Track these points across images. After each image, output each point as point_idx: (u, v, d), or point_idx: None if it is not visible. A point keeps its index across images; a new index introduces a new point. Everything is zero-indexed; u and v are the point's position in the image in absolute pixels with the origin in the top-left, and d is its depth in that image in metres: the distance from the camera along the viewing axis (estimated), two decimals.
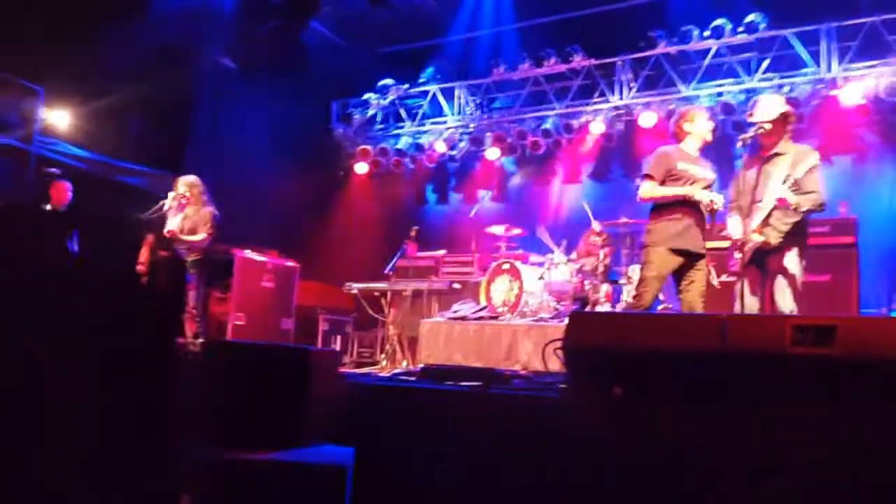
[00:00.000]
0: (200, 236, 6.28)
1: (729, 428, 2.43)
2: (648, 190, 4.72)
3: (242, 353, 3.52)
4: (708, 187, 4.70)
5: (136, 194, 7.68)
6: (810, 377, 2.43)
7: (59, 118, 8.41)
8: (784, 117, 4.49)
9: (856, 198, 7.35)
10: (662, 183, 4.70)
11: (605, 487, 2.53)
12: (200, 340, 5.96)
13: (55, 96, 8.26)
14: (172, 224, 6.32)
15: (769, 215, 4.33)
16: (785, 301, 4.33)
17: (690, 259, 4.64)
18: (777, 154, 4.46)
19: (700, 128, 4.80)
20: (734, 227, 4.51)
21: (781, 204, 4.26)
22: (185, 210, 6.37)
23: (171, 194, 6.41)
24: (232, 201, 7.49)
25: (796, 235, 4.39)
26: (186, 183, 6.44)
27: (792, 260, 4.36)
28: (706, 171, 4.76)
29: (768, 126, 4.44)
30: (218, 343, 5.62)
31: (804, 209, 4.30)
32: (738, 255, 4.43)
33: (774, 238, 4.36)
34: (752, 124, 4.56)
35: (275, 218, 9.45)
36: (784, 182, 4.27)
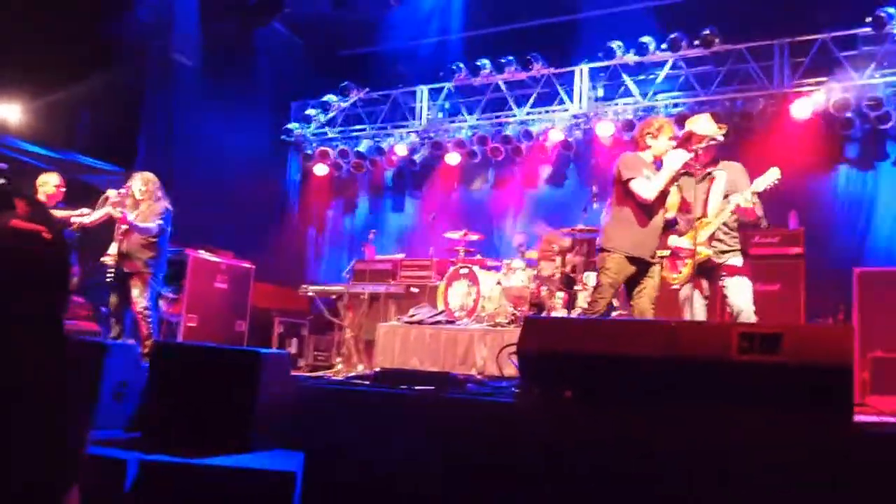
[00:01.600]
0: (150, 224, 6.12)
1: (676, 431, 2.46)
2: (652, 186, 4.63)
3: (192, 355, 3.46)
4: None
5: (86, 190, 7.48)
6: (755, 383, 2.48)
7: (7, 112, 8.18)
8: (687, 138, 4.74)
9: (805, 209, 7.54)
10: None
11: (556, 489, 2.54)
12: (150, 342, 5.83)
13: (3, 90, 8.03)
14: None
15: (718, 231, 4.52)
16: (744, 300, 4.46)
17: (644, 266, 4.71)
18: (711, 172, 4.65)
19: (660, 145, 4.85)
20: (672, 239, 4.70)
21: (751, 217, 4.43)
22: (139, 207, 6.23)
23: (113, 192, 6.24)
24: (186, 200, 7.35)
25: (739, 247, 4.62)
26: (143, 178, 6.31)
27: (740, 263, 4.54)
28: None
29: (721, 139, 4.60)
30: (168, 345, 5.51)
31: (760, 215, 4.48)
32: (685, 265, 4.58)
33: (723, 254, 4.56)
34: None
35: (230, 218, 9.30)
36: (726, 197, 4.46)
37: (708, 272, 4.59)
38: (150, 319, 6.03)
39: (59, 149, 8.26)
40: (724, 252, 4.57)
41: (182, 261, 7.69)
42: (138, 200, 6.23)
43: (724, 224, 4.56)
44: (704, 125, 4.72)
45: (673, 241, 4.71)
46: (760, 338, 2.48)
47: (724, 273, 4.55)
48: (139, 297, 6.04)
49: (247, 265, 8.59)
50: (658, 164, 4.88)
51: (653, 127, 4.88)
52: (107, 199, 6.23)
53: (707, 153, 4.66)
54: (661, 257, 4.77)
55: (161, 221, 6.19)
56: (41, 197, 6.20)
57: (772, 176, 4.39)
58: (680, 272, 4.63)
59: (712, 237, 4.55)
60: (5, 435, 0.79)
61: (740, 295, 4.50)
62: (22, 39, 7.42)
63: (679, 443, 2.44)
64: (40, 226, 1.13)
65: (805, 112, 7.87)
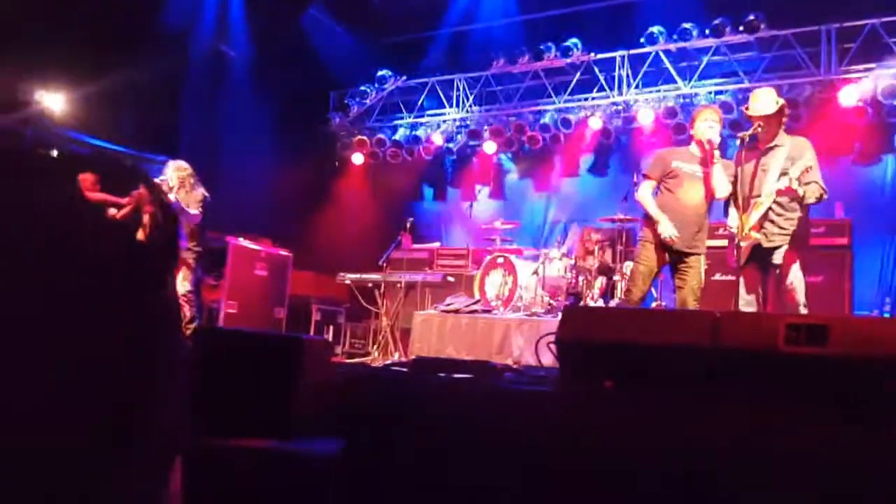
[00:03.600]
0: (195, 210, 6.24)
1: (719, 423, 2.42)
2: (642, 193, 4.87)
3: (234, 341, 3.49)
4: (706, 181, 4.72)
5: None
6: (802, 375, 2.43)
7: (54, 102, 8.35)
8: (780, 110, 4.51)
9: (851, 199, 7.36)
10: (660, 182, 4.75)
11: (596, 480, 2.52)
12: (193, 325, 5.94)
13: (51, 80, 8.20)
14: None
15: (768, 211, 4.35)
16: (800, 295, 4.33)
17: (681, 257, 4.65)
18: (774, 146, 4.47)
19: (697, 130, 4.81)
20: (732, 219, 4.51)
21: (788, 192, 4.25)
22: (176, 194, 6.33)
23: (159, 179, 6.38)
24: (227, 189, 7.46)
25: (799, 233, 4.41)
26: (176, 167, 6.41)
27: (794, 258, 4.37)
28: (694, 167, 4.77)
29: (769, 118, 4.46)
30: (210, 329, 5.59)
31: (810, 201, 4.30)
32: (743, 244, 4.41)
33: (777, 237, 4.37)
34: (748, 120, 4.58)
35: (269, 206, 9.41)
36: (780, 178, 4.28)
37: (760, 259, 4.44)
38: (193, 304, 6.17)
39: (104, 138, 8.42)
40: (775, 235, 4.39)
41: (223, 248, 7.80)
42: (172, 188, 6.34)
43: (779, 205, 4.36)
44: (754, 105, 4.58)
45: (731, 222, 4.56)
46: (808, 329, 2.43)
47: (776, 261, 4.40)
48: (182, 282, 6.16)
49: (285, 253, 8.68)
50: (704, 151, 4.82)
51: (694, 116, 4.95)
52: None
53: (769, 129, 4.47)
54: (716, 248, 4.69)
55: (203, 210, 6.30)
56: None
57: (807, 157, 4.27)
58: (736, 259, 4.49)
59: (764, 218, 4.36)
60: (117, 408, 0.80)
61: (795, 287, 4.36)
62: (66, 30, 7.55)
63: (720, 436, 2.41)
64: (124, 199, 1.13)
65: (852, 99, 7.67)
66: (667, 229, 4.60)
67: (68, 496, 0.76)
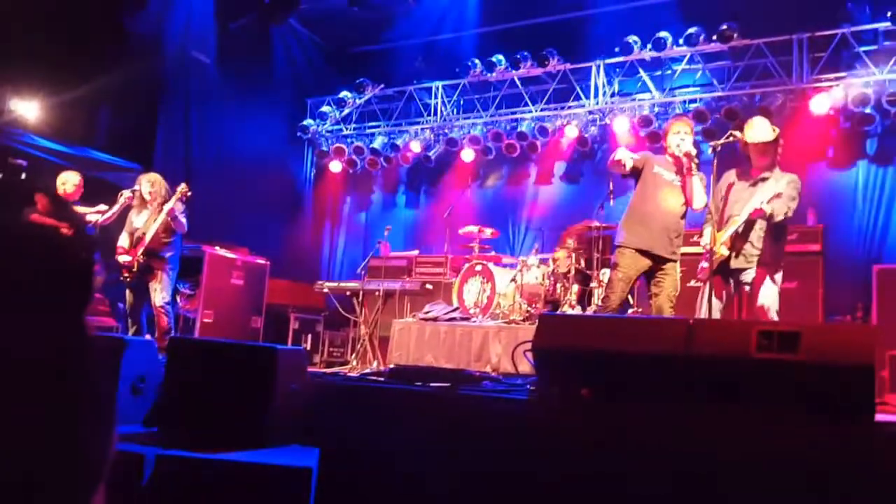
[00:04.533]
0: (184, 220, 6.25)
1: (694, 430, 2.44)
2: (620, 151, 4.88)
3: (209, 351, 3.47)
4: (683, 190, 4.79)
5: (103, 187, 7.53)
6: (774, 382, 2.46)
7: (25, 109, 8.24)
8: (776, 139, 4.64)
9: (823, 206, 7.47)
10: (633, 169, 4.82)
11: (573, 488, 2.53)
12: (168, 337, 5.88)
13: (22, 87, 8.10)
14: (138, 222, 6.26)
15: (747, 231, 4.48)
16: (771, 313, 4.45)
17: (658, 262, 4.70)
18: (766, 178, 4.60)
19: (669, 143, 4.93)
20: (707, 236, 4.62)
21: (756, 215, 4.39)
22: (148, 207, 6.29)
23: (127, 192, 6.38)
24: (202, 197, 7.40)
25: (774, 256, 4.54)
26: (149, 180, 6.38)
27: (771, 293, 4.50)
28: (672, 176, 4.85)
29: (766, 146, 4.58)
30: (185, 340, 5.54)
31: (778, 218, 4.43)
32: (704, 263, 4.55)
33: (752, 257, 4.49)
34: (744, 148, 4.69)
35: (246, 215, 9.35)
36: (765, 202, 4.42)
37: (725, 274, 4.57)
38: (169, 314, 6.11)
39: (77, 145, 8.32)
40: (745, 256, 4.54)
41: (198, 257, 7.73)
42: (146, 201, 6.30)
43: (757, 227, 4.52)
44: (750, 132, 4.70)
45: (706, 239, 4.68)
46: (779, 336, 2.45)
47: (745, 280, 4.53)
48: (160, 292, 6.10)
49: (262, 261, 8.62)
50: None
51: (666, 128, 5.11)
52: (122, 199, 6.35)
53: (763, 157, 4.62)
54: (690, 254, 4.79)
55: (181, 226, 6.29)
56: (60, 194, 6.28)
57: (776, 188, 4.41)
58: (702, 269, 4.63)
59: (736, 236, 4.51)
60: (30, 434, 0.78)
61: (767, 297, 4.49)
62: (40, 37, 7.47)
63: (694, 441, 2.42)
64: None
65: (824, 107, 7.78)
66: (624, 154, 4.78)
67: None
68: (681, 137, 4.80)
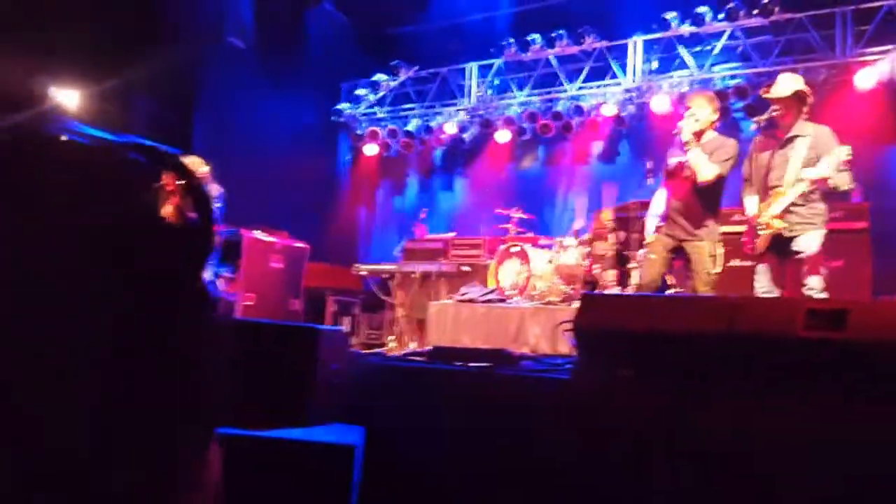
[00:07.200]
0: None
1: (735, 409, 2.42)
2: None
3: (252, 332, 3.52)
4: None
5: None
6: (822, 360, 2.42)
7: (65, 98, 8.39)
8: (798, 96, 4.44)
9: (869, 183, 7.28)
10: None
11: (613, 467, 2.53)
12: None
13: (64, 76, 8.24)
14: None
15: (792, 202, 4.32)
16: (815, 283, 4.31)
17: (684, 245, 4.67)
18: (795, 136, 4.42)
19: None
20: (751, 206, 4.50)
21: (819, 184, 4.22)
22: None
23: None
24: (240, 181, 7.47)
25: (819, 221, 4.38)
26: (189, 163, 6.45)
27: (815, 243, 4.34)
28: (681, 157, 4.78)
29: (786, 102, 4.42)
30: (228, 321, 5.62)
31: (843, 188, 4.28)
32: (744, 238, 4.43)
33: (797, 226, 4.35)
34: (767, 104, 4.55)
35: (283, 199, 9.43)
36: (803, 169, 4.26)
37: (780, 247, 4.42)
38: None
39: (117, 132, 8.45)
40: (797, 224, 4.37)
41: (238, 241, 7.83)
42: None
43: (801, 194, 4.32)
44: (773, 88, 4.56)
45: (749, 209, 4.54)
46: (827, 314, 2.41)
47: (796, 248, 4.36)
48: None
49: (301, 245, 8.70)
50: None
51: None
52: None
53: (786, 115, 4.44)
54: (733, 233, 4.69)
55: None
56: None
57: (836, 153, 4.22)
58: (754, 245, 4.47)
59: (787, 209, 4.34)
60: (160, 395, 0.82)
61: (811, 279, 4.34)
62: (81, 26, 7.58)
63: (738, 421, 2.40)
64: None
65: (869, 82, 7.58)
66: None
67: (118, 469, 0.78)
68: (689, 114, 4.72)
